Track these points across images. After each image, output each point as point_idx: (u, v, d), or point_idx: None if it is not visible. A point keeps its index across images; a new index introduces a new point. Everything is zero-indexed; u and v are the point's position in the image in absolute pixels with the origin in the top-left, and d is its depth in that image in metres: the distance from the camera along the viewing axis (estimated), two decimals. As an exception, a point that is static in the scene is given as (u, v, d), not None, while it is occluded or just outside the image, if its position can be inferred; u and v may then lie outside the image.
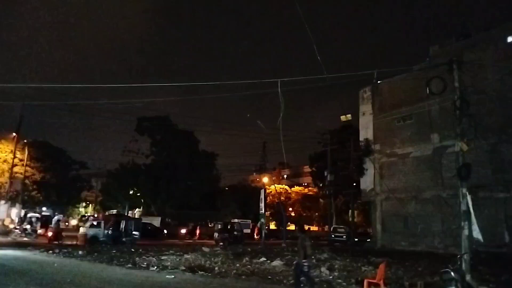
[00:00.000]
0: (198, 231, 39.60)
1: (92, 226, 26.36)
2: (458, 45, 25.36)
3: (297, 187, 66.33)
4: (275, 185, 56.05)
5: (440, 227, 25.07)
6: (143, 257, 16.81)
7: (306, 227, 63.74)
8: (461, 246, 12.18)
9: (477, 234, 12.18)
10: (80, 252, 18.19)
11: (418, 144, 27.46)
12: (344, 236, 35.82)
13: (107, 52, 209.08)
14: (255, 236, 38.99)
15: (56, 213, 52.49)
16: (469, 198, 12.45)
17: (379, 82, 30.04)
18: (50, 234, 25.93)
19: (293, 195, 62.96)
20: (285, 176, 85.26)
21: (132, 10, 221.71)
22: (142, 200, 52.09)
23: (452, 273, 8.63)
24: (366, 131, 31.50)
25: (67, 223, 51.82)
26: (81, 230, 26.65)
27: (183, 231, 41.06)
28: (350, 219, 44.61)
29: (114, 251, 19.62)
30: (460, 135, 13.24)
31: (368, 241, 34.42)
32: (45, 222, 32.13)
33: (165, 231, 38.39)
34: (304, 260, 9.30)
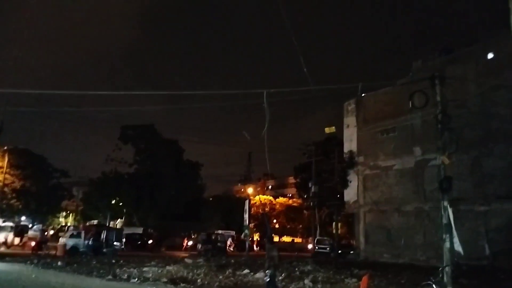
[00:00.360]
0: (185, 243, 38.96)
1: (72, 236, 25.82)
2: (440, 61, 25.88)
3: (282, 198, 66.29)
4: (260, 196, 55.96)
5: (422, 240, 25.29)
6: (124, 268, 16.47)
7: (290, 239, 63.73)
8: (443, 258, 12.28)
9: (457, 246, 12.30)
10: (59, 263, 17.74)
11: (401, 156, 27.79)
12: (328, 248, 35.80)
13: (91, 59, 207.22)
14: (229, 249, 37.93)
15: (35, 223, 51.19)
16: (450, 211, 12.59)
17: (363, 95, 30.44)
18: (33, 243, 25.35)
19: (277, 206, 62.86)
20: (270, 186, 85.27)
21: (118, 18, 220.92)
22: (124, 210, 51.25)
23: (434, 286, 8.69)
24: (350, 143, 31.78)
25: (46, 233, 50.58)
26: (61, 240, 26.07)
27: (150, 241, 38.43)
28: (334, 231, 44.64)
29: (94, 262, 19.20)
30: (442, 149, 13.43)
31: (352, 253, 34.47)
32: (20, 232, 31.27)
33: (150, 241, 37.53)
34: (267, 270, 9.42)
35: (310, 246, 46.37)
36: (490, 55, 23.00)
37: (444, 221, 12.76)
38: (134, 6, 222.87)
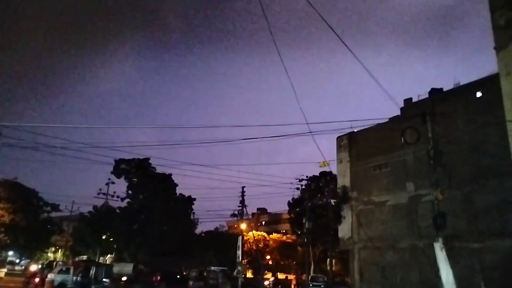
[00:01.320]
0: None
1: (60, 272, 25.16)
2: (430, 99, 26.52)
3: (276, 234, 65.44)
4: (253, 231, 55.19)
5: (418, 277, 24.91)
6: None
7: (284, 275, 62.41)
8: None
9: (449, 286, 12.18)
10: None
11: (394, 192, 27.83)
12: (322, 285, 35.09)
13: (86, 95, 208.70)
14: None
15: (23, 258, 49.88)
16: (442, 248, 12.57)
17: (356, 131, 30.85)
18: (37, 280, 24.77)
19: (271, 242, 61.93)
20: (263, 222, 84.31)
21: (110, 54, 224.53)
22: (115, 246, 50.17)
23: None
24: (343, 178, 31.85)
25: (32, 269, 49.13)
26: (49, 276, 25.37)
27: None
28: (328, 267, 43.88)
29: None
30: (435, 184, 13.59)
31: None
32: None
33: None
34: None
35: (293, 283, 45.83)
36: (479, 94, 23.60)
37: (439, 258, 12.72)
38: (128, 42, 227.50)
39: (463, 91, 24.97)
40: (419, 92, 30.37)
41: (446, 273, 12.56)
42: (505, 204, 21.14)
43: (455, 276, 12.90)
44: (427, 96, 27.94)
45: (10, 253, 50.47)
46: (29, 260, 52.11)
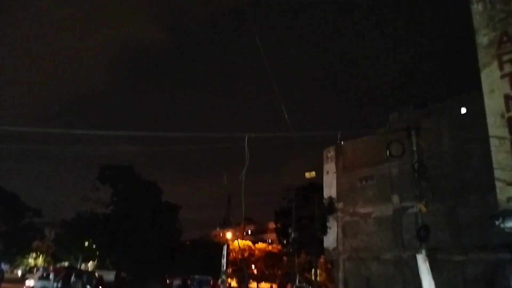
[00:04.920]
0: None
1: (41, 278, 24.70)
2: (415, 113, 27.01)
3: (261, 243, 65.32)
4: (239, 240, 54.98)
5: (402, 288, 25.12)
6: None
7: (269, 285, 62.19)
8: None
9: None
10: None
11: (379, 204, 28.12)
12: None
13: (67, 101, 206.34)
14: None
15: (2, 263, 48.70)
16: (426, 260, 12.76)
17: (342, 143, 31.19)
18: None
19: (256, 252, 61.79)
20: (249, 231, 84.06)
21: (93, 61, 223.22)
22: (97, 253, 49.40)
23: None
24: (330, 189, 32.06)
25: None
26: (28, 282, 24.92)
27: None
28: (313, 277, 43.93)
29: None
30: (419, 197, 13.82)
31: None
32: None
33: None
34: None
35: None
36: (463, 110, 24.13)
37: (422, 270, 12.90)
38: (111, 50, 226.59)
39: (448, 106, 25.50)
40: (406, 105, 30.90)
41: (428, 285, 12.74)
42: (487, 219, 21.54)
43: (438, 288, 13.09)
44: (413, 110, 28.46)
45: (-11, 258, 49.31)
46: (8, 266, 50.97)
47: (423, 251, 13.27)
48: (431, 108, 26.88)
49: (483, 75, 17.47)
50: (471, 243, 22.29)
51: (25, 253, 56.48)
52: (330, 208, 31.30)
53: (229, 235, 53.70)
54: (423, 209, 13.56)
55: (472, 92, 21.52)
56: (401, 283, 25.26)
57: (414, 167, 13.96)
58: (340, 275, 29.71)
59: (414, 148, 14.05)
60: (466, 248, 22.48)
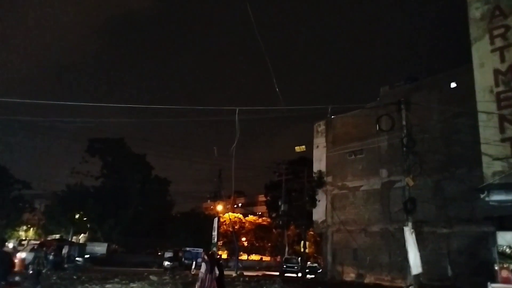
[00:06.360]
0: None
1: (32, 250, 24.78)
2: (406, 88, 26.96)
3: (252, 216, 66.11)
4: (229, 213, 55.52)
5: (388, 260, 25.79)
6: (86, 285, 15.96)
7: (259, 257, 63.42)
8: (407, 278, 12.62)
9: (416, 269, 12.68)
10: (16, 278, 16.94)
11: (368, 178, 28.47)
12: (296, 267, 35.88)
13: (54, 71, 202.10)
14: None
15: (-8, 236, 48.62)
16: (412, 232, 13.04)
17: (332, 117, 31.20)
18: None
19: (247, 224, 62.60)
20: (240, 204, 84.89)
21: (80, 29, 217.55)
22: (88, 225, 49.66)
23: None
24: (319, 163, 32.28)
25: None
26: (19, 254, 25.00)
27: None
28: (302, 249, 44.85)
29: (54, 277, 18.50)
30: (407, 171, 14.00)
31: (319, 272, 34.64)
32: None
33: None
34: None
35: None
36: (453, 85, 24.17)
37: (408, 241, 13.21)
38: (97, 17, 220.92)
39: (438, 81, 25.50)
40: (397, 79, 30.82)
41: (414, 256, 13.08)
42: (473, 192, 21.98)
43: (423, 260, 13.46)
44: (403, 84, 28.39)
45: (-21, 230, 49.26)
46: (-1, 238, 50.99)
47: (410, 224, 13.55)
48: (422, 82, 26.87)
49: (474, 49, 17.44)
50: (456, 216, 22.81)
51: (15, 226, 56.43)
52: (319, 181, 31.61)
53: (219, 207, 54.18)
54: (411, 182, 13.76)
55: (463, 66, 21.52)
56: (387, 255, 25.91)
57: (403, 141, 14.07)
58: (329, 247, 30.35)
59: (404, 123, 14.12)
60: (451, 221, 23.01)
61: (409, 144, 13.92)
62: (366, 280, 26.01)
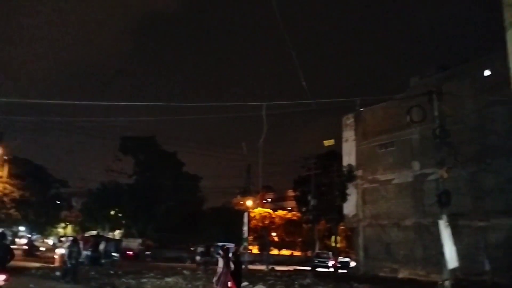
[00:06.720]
0: None
1: (68, 246, 25.79)
2: (437, 77, 26.14)
3: (281, 211, 66.18)
4: (259, 208, 55.84)
5: (422, 254, 25.27)
6: (123, 279, 16.48)
7: (289, 252, 63.51)
8: (443, 273, 12.35)
9: (452, 264, 12.38)
10: (57, 273, 17.72)
11: (399, 171, 27.92)
12: (327, 262, 35.72)
13: (86, 73, 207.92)
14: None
15: (33, 233, 50.99)
16: (447, 225, 12.72)
17: (361, 109, 30.70)
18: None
19: (276, 219, 62.74)
20: (269, 199, 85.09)
21: (110, 31, 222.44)
22: (123, 221, 51.18)
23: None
24: (349, 157, 31.92)
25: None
26: (58, 250, 26.08)
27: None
28: (333, 244, 44.57)
29: (92, 272, 19.21)
30: (440, 163, 13.64)
31: (351, 267, 34.36)
32: None
33: None
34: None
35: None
36: (487, 72, 23.28)
37: (443, 235, 12.90)
38: (126, 19, 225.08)
39: (471, 69, 24.64)
40: (427, 69, 29.99)
41: (449, 250, 12.76)
42: (510, 183, 21.20)
43: (459, 254, 13.10)
44: (434, 73, 27.60)
45: (22, 228, 51.64)
46: (40, 235, 53.37)
47: (445, 217, 13.21)
48: (453, 71, 26.01)
49: (509, 35, 16.72)
50: (493, 209, 22.08)
51: (54, 223, 58.86)
52: (349, 175, 31.28)
53: (249, 203, 54.51)
54: (445, 175, 13.41)
55: (496, 53, 20.71)
56: (421, 249, 25.39)
57: (436, 132, 13.70)
58: (360, 241, 30.03)
59: (436, 113, 13.75)
60: (488, 214, 22.30)
61: (442, 135, 13.54)
62: (400, 275, 25.58)
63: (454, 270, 13.02)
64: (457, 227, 20.32)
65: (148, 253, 40.02)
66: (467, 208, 22.73)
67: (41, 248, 36.59)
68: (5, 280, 8.58)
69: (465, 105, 23.35)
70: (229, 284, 10.32)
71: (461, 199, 21.73)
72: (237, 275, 10.63)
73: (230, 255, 11.25)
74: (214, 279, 10.45)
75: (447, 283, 11.51)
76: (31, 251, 33.19)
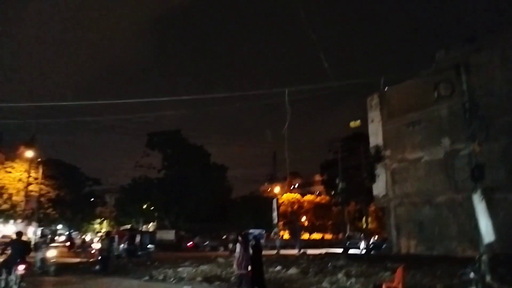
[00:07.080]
0: None
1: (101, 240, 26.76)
2: (464, 50, 25.27)
3: (309, 195, 66.19)
4: (288, 194, 56.01)
5: (457, 230, 24.84)
6: (159, 269, 16.97)
7: (320, 235, 63.56)
8: (479, 248, 12.16)
9: (489, 238, 12.15)
10: (97, 267, 18.40)
11: (429, 148, 27.36)
12: (359, 243, 35.63)
13: (109, 72, 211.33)
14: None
15: (71, 230, 52.96)
16: (482, 200, 12.47)
17: (386, 88, 30.09)
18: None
19: (305, 204, 62.86)
20: (296, 185, 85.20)
21: (130, 29, 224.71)
22: (156, 214, 52.45)
23: (472, 274, 8.65)
24: (376, 138, 31.47)
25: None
26: (94, 245, 27.10)
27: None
28: (364, 225, 44.36)
29: (130, 265, 19.86)
30: (472, 137, 13.32)
31: (384, 247, 34.15)
32: None
33: None
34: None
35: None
36: (517, 41, 22.40)
37: (478, 210, 12.65)
38: (145, 16, 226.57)
39: (500, 39, 23.72)
40: (453, 41, 29.06)
41: (485, 225, 12.52)
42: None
43: (495, 228, 12.83)
44: (461, 46, 26.71)
45: (59, 226, 53.74)
46: (77, 232, 55.40)
47: (479, 191, 12.93)
48: (481, 43, 25.10)
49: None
50: (529, 180, 21.42)
51: (90, 219, 60.96)
52: (377, 156, 30.89)
53: (277, 189, 54.76)
54: (477, 149, 13.09)
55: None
56: (456, 226, 24.95)
57: (465, 106, 13.35)
58: (392, 221, 29.75)
59: (465, 87, 13.36)
60: (525, 186, 21.65)
61: (472, 109, 13.18)
62: (435, 252, 25.27)
63: (491, 244, 12.76)
64: (492, 201, 19.83)
65: (206, 243, 42.49)
66: (502, 181, 22.11)
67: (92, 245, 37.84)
68: (25, 269, 10.10)
69: (495, 77, 22.57)
70: (249, 268, 10.55)
71: (495, 173, 21.14)
72: (255, 261, 10.81)
73: (251, 241, 11.47)
74: (234, 265, 10.80)
75: (484, 257, 11.30)
76: (73, 247, 34.94)
